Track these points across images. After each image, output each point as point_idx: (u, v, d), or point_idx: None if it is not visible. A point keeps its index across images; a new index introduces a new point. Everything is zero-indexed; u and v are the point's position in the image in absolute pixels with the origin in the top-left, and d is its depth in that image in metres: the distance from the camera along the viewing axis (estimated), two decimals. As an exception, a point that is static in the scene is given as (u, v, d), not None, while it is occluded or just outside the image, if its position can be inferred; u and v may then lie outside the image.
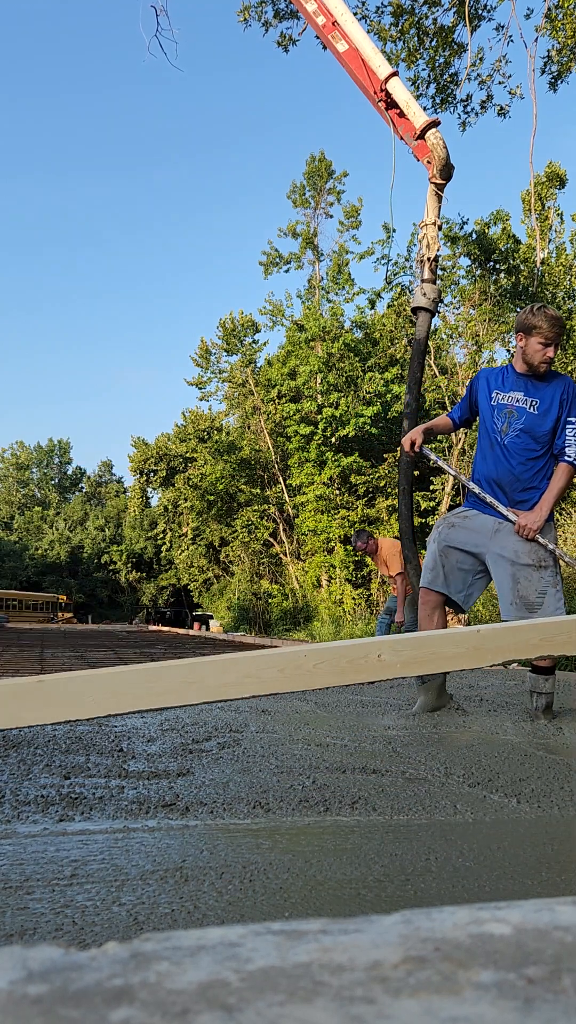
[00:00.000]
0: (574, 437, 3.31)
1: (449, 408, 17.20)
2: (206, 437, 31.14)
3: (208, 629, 28.34)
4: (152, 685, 1.69)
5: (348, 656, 1.81)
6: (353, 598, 18.55)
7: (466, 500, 3.61)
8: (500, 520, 3.39)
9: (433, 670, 1.90)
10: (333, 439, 20.40)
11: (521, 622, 2.00)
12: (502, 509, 3.35)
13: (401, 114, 5.95)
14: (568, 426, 3.31)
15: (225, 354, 28.43)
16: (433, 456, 3.59)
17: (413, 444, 3.57)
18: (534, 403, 3.35)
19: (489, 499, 3.37)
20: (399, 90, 5.92)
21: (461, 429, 3.71)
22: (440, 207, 6.03)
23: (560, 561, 3.34)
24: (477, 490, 3.42)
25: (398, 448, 3.48)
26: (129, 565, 54.65)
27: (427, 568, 3.53)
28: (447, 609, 3.60)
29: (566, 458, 3.31)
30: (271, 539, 26.14)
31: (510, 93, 10.06)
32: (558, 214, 19.49)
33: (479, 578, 3.50)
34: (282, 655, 1.79)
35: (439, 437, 18.29)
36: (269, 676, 1.75)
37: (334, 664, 1.79)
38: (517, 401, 3.38)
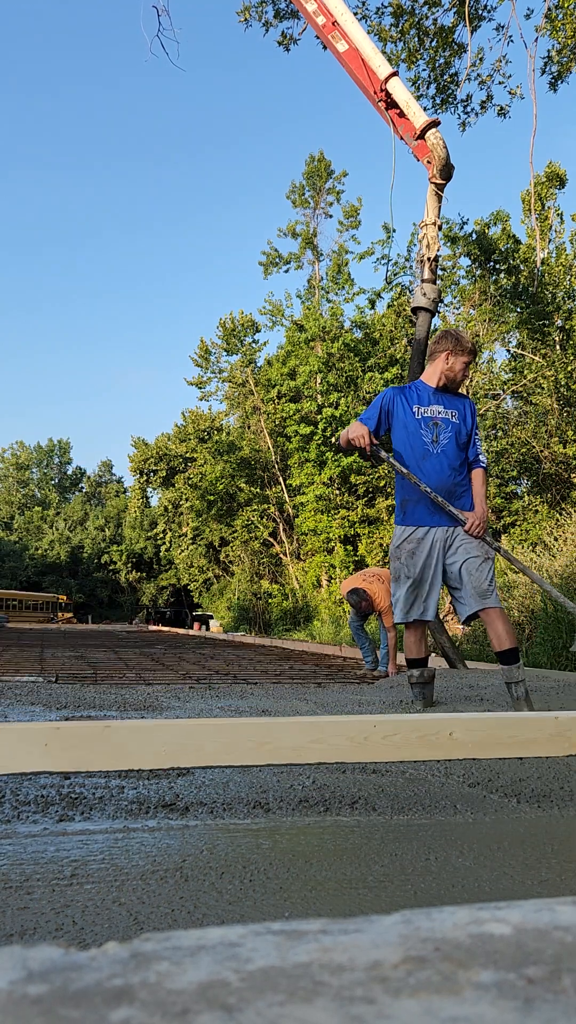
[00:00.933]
0: (480, 444, 3.75)
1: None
2: (206, 437, 31.16)
3: (208, 629, 28.36)
4: (226, 741, 1.67)
5: (420, 731, 1.77)
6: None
7: (404, 517, 3.72)
8: (447, 527, 3.62)
9: (510, 754, 1.84)
10: (333, 439, 20.40)
11: None
12: (455, 511, 3.59)
13: (401, 114, 5.95)
14: (475, 437, 3.72)
15: (225, 354, 28.45)
16: (383, 454, 3.69)
17: (370, 439, 3.69)
18: (454, 414, 3.69)
19: (441, 500, 3.58)
20: (399, 90, 5.92)
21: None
22: (440, 207, 6.03)
23: (500, 557, 3.65)
24: (431, 492, 3.59)
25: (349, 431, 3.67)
26: (129, 565, 54.65)
27: (409, 605, 3.69)
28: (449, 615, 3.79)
29: (480, 464, 3.71)
30: (271, 539, 26.15)
31: (510, 93, 10.07)
32: (558, 214, 19.50)
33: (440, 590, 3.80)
34: (351, 724, 1.74)
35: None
36: (338, 743, 1.72)
37: (404, 737, 1.75)
38: (440, 413, 3.69)
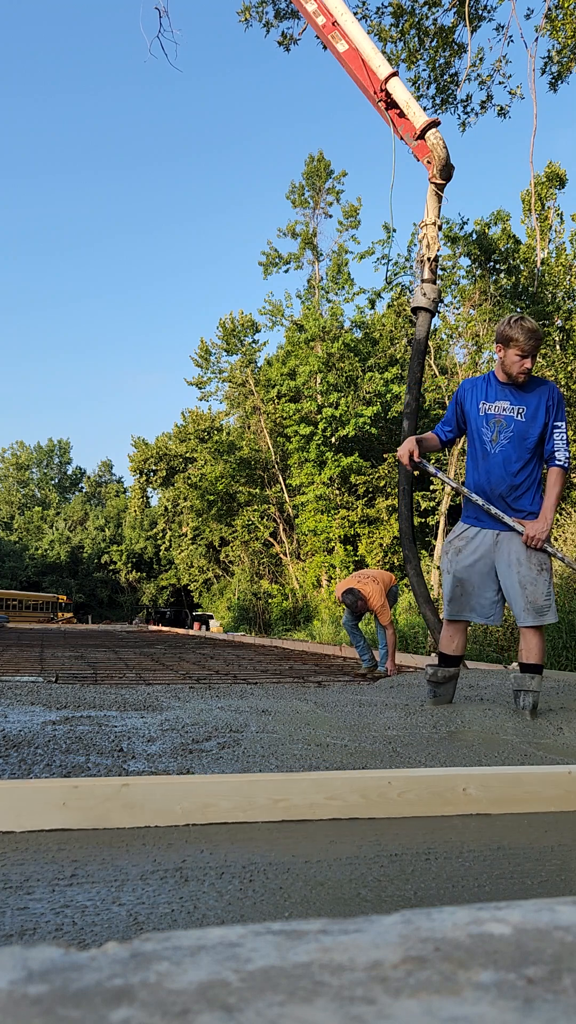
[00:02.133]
0: (562, 441, 3.38)
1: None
2: (206, 437, 31.15)
3: (208, 629, 28.35)
4: (242, 800, 1.71)
5: (433, 788, 1.79)
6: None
7: (463, 514, 3.67)
8: (499, 531, 3.47)
9: (526, 810, 1.84)
10: (333, 439, 20.41)
11: None
12: (508, 520, 3.41)
13: (401, 114, 5.95)
14: (555, 430, 3.39)
15: (225, 354, 28.45)
16: (431, 468, 3.64)
17: (411, 455, 3.59)
18: (521, 410, 3.41)
19: (494, 511, 3.43)
20: (399, 90, 5.92)
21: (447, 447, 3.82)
22: (440, 207, 6.03)
23: (560, 563, 3.45)
24: (481, 502, 3.47)
25: (398, 448, 3.54)
26: (129, 565, 54.66)
27: (448, 600, 3.60)
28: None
29: (556, 462, 3.39)
30: (271, 539, 26.15)
31: (510, 93, 10.07)
32: (558, 214, 19.50)
33: (500, 594, 3.60)
34: (366, 780, 1.77)
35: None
36: (354, 800, 1.75)
37: (418, 794, 1.78)
38: (504, 410, 3.44)
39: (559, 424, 3.38)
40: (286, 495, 24.84)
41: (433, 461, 18.24)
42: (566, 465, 3.38)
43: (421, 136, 5.84)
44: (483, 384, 3.55)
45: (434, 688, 3.78)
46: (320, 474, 20.23)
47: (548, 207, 19.25)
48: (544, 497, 3.41)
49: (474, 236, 16.97)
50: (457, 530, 3.64)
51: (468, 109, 10.27)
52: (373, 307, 20.88)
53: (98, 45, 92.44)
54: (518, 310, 17.37)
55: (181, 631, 24.70)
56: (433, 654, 6.85)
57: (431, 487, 17.96)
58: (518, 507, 3.44)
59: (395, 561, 18.78)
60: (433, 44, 9.87)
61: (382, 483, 19.98)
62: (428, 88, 10.25)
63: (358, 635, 6.68)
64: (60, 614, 45.86)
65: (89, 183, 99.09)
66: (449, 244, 17.06)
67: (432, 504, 17.93)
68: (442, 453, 17.73)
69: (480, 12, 9.69)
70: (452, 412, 3.66)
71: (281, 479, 25.04)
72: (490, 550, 3.49)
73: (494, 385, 3.50)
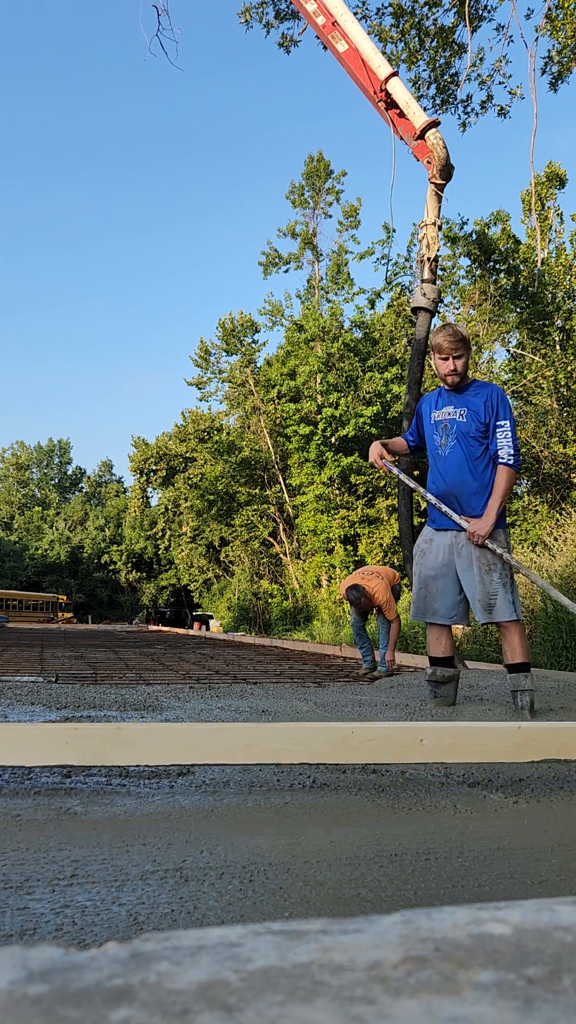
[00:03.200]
0: (505, 439, 3.46)
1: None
2: (206, 437, 31.15)
3: (208, 629, 28.35)
4: (219, 745, 1.91)
5: (393, 737, 1.94)
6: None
7: (428, 518, 3.79)
8: (455, 532, 3.58)
9: (475, 760, 2.00)
10: (333, 439, 20.41)
11: (566, 724, 2.09)
12: (456, 518, 3.52)
13: (401, 114, 5.96)
14: (499, 430, 3.47)
15: (225, 354, 28.45)
16: (395, 470, 3.77)
17: (380, 456, 3.75)
18: (462, 412, 3.54)
19: (444, 508, 3.55)
20: (399, 90, 5.93)
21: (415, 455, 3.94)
22: (440, 207, 6.03)
23: (509, 566, 3.49)
24: (435, 501, 3.59)
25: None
26: (129, 565, 54.66)
27: (413, 602, 3.75)
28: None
29: (500, 460, 3.47)
30: (271, 539, 26.15)
31: (510, 93, 10.07)
32: (558, 214, 19.50)
33: (463, 595, 3.65)
34: (330, 729, 1.93)
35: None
36: (319, 747, 1.91)
37: (379, 743, 1.93)
38: (448, 415, 3.58)
39: (502, 423, 3.46)
40: (286, 495, 24.85)
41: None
42: (510, 463, 3.45)
43: (421, 136, 5.84)
44: (435, 396, 3.72)
45: (435, 688, 3.81)
46: (320, 474, 20.23)
47: (548, 207, 19.26)
48: (491, 496, 3.49)
49: (474, 236, 16.98)
50: (424, 534, 3.75)
51: (468, 109, 10.27)
52: (373, 307, 20.90)
53: (98, 45, 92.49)
54: (518, 310, 17.39)
55: (181, 631, 24.70)
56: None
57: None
58: (472, 506, 3.54)
59: (395, 561, 18.77)
60: (433, 44, 9.87)
61: (382, 483, 19.98)
62: (428, 88, 10.25)
63: (363, 637, 6.67)
64: (60, 614, 45.86)
65: (89, 183, 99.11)
66: (449, 244, 17.07)
67: (432, 504, 17.91)
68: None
69: (480, 12, 9.69)
70: (415, 424, 3.83)
71: (281, 479, 25.05)
72: (450, 551, 3.59)
73: (443, 395, 3.66)
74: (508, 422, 3.45)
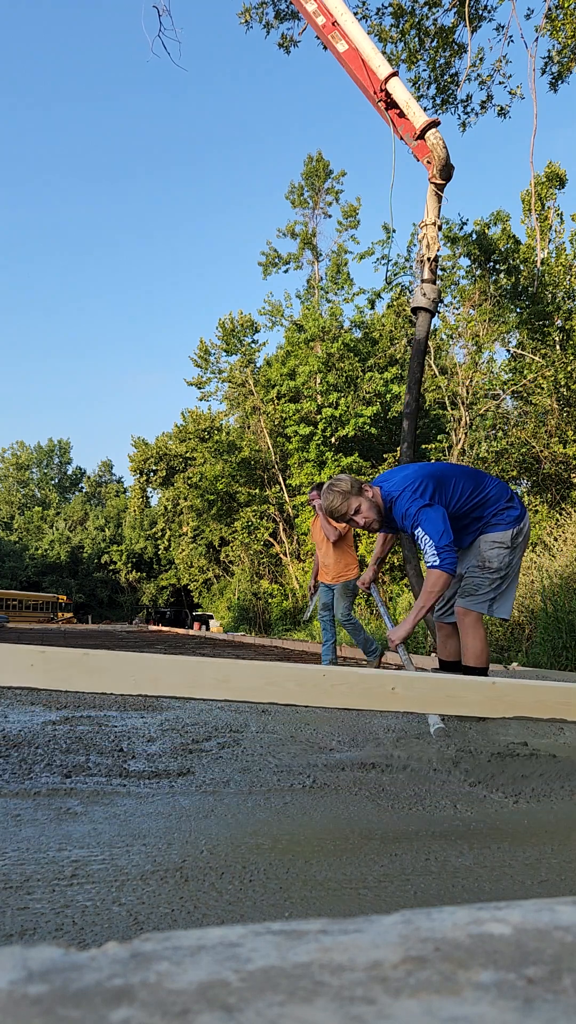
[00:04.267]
0: (425, 545, 3.26)
1: (449, 407, 17.21)
2: (206, 437, 31.15)
3: (208, 629, 28.35)
4: (189, 677, 1.83)
5: (364, 683, 1.92)
6: (353, 598, 18.52)
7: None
8: (474, 542, 3.54)
9: (444, 711, 1.95)
10: (333, 439, 20.40)
11: (540, 683, 2.06)
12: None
13: (401, 114, 5.95)
14: (418, 541, 3.30)
15: (224, 354, 28.44)
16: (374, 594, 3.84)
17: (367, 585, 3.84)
18: (402, 533, 3.58)
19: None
20: (399, 90, 5.92)
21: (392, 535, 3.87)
22: (440, 207, 6.03)
23: (506, 573, 3.46)
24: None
25: (398, 448, 3.61)
26: (129, 565, 54.65)
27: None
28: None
29: (427, 565, 3.33)
30: (271, 539, 26.14)
31: (510, 93, 10.06)
32: (558, 214, 19.50)
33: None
34: (303, 671, 1.90)
35: (439, 436, 18.30)
36: (289, 687, 1.87)
37: (350, 687, 1.90)
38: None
39: (416, 532, 3.29)
40: (286, 495, 24.83)
41: (433, 460, 18.23)
42: (435, 564, 3.21)
43: (421, 136, 5.84)
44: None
45: None
46: (320, 474, 20.21)
47: (548, 207, 19.26)
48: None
49: (474, 236, 16.97)
50: None
51: (468, 109, 10.27)
52: (373, 307, 20.89)
53: (98, 47, 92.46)
54: (518, 310, 17.39)
55: (181, 631, 24.70)
56: (433, 654, 6.84)
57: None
58: (466, 541, 3.53)
59: (395, 561, 18.77)
60: (433, 44, 9.86)
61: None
62: (428, 88, 10.24)
63: (330, 630, 6.45)
64: (60, 614, 45.86)
65: (89, 184, 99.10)
66: (449, 244, 17.06)
67: (432, 504, 17.88)
68: (443, 454, 17.74)
69: (480, 12, 9.69)
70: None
71: (281, 479, 25.03)
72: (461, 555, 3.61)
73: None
74: (420, 528, 3.26)
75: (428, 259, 6.04)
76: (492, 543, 3.43)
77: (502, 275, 17.22)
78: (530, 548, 12.63)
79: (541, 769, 2.38)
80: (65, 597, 49.64)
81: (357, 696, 1.90)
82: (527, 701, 1.97)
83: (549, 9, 9.38)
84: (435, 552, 3.18)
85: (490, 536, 3.45)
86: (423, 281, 6.07)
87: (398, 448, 7.63)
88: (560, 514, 14.22)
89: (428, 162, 5.90)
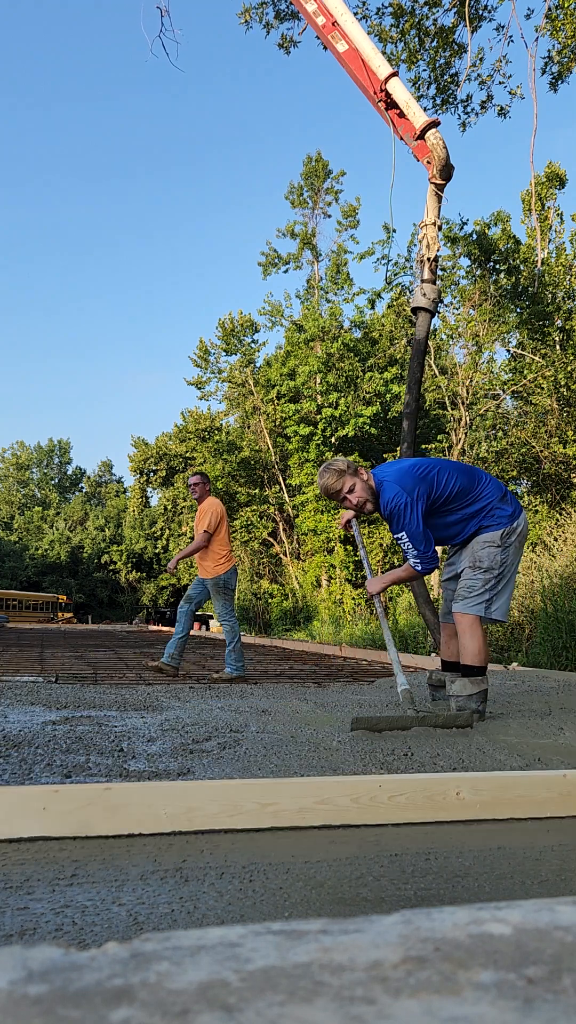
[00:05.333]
0: (403, 545, 3.43)
1: (449, 407, 17.21)
2: (206, 437, 31.15)
3: (208, 629, 28.33)
4: (230, 805, 1.66)
5: (426, 791, 1.75)
6: (353, 598, 18.58)
7: None
8: (469, 543, 3.59)
9: (519, 815, 1.80)
10: (333, 439, 20.41)
11: None
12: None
13: (401, 114, 5.96)
14: (399, 543, 3.46)
15: (224, 354, 28.44)
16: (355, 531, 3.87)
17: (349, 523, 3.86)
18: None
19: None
20: (399, 90, 5.93)
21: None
22: (440, 207, 6.03)
23: (500, 573, 3.49)
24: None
25: (398, 448, 3.68)
26: (129, 565, 54.65)
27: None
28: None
29: (406, 558, 3.50)
30: (271, 539, 26.15)
31: (510, 93, 10.06)
32: (558, 214, 19.50)
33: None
34: (357, 784, 1.73)
35: (439, 436, 18.31)
36: (344, 804, 1.70)
37: (410, 798, 1.74)
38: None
39: (399, 535, 3.42)
40: (286, 495, 24.84)
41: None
42: (415, 566, 3.41)
43: (421, 136, 5.84)
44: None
45: (433, 692, 3.81)
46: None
47: (548, 207, 19.26)
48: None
49: (474, 236, 16.97)
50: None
51: (468, 109, 10.27)
52: (373, 307, 20.90)
53: (98, 49, 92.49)
54: (518, 310, 17.39)
55: (181, 631, 24.63)
56: (433, 654, 6.85)
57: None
58: (459, 537, 3.58)
59: (395, 561, 18.78)
60: (433, 44, 9.86)
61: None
62: (428, 88, 10.24)
63: (185, 623, 6.10)
64: (60, 614, 45.86)
65: (89, 184, 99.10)
66: (449, 244, 17.06)
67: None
68: (443, 454, 17.73)
69: (480, 12, 9.69)
70: None
71: (281, 479, 25.04)
72: (459, 556, 3.67)
73: None
74: (404, 532, 3.39)
75: (428, 259, 6.04)
76: (484, 543, 3.48)
77: (502, 275, 17.22)
78: (530, 548, 12.63)
79: (541, 769, 2.38)
80: (65, 597, 49.63)
81: (419, 807, 1.73)
82: None
83: (549, 9, 9.38)
84: (416, 559, 3.38)
85: (483, 536, 3.50)
86: (423, 281, 6.07)
87: (398, 448, 7.62)
88: (560, 514, 14.22)
89: (428, 162, 5.90)
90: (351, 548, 20.53)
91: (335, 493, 3.50)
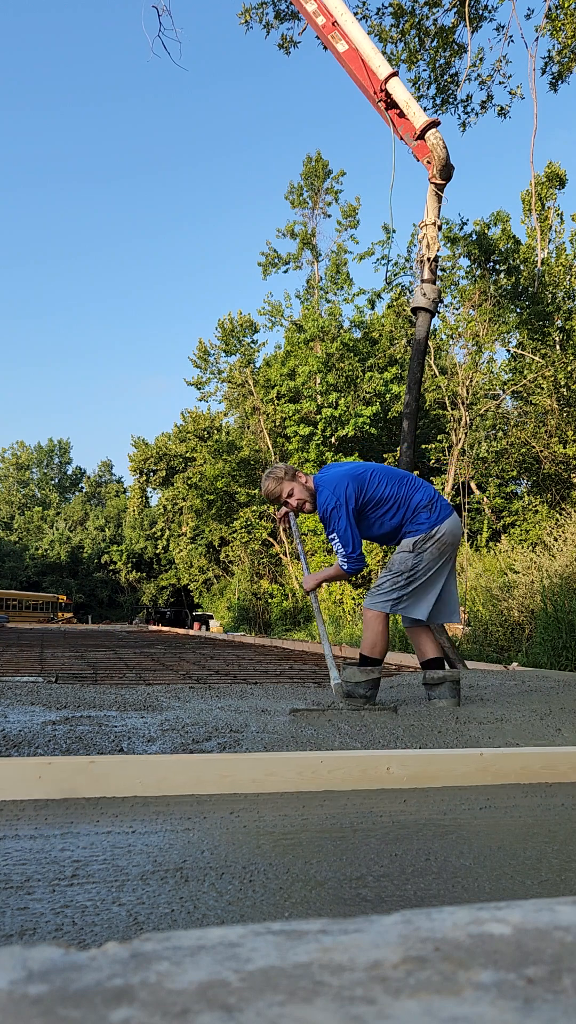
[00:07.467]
0: (335, 544, 3.68)
1: (449, 407, 17.21)
2: (206, 437, 31.15)
3: (208, 629, 28.33)
4: (194, 776, 1.99)
5: (361, 766, 2.06)
6: (353, 598, 18.58)
7: None
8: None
9: (439, 785, 2.11)
10: (333, 439, 20.41)
11: (525, 749, 2.26)
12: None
13: (401, 114, 5.95)
14: (331, 542, 3.71)
15: (224, 355, 28.44)
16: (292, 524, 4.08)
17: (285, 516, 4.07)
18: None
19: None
20: (399, 90, 5.92)
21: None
22: (440, 207, 6.03)
23: (409, 572, 3.67)
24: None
25: (398, 448, 3.81)
26: (129, 565, 54.65)
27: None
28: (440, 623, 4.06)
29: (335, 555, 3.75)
30: (271, 539, 26.14)
31: (510, 93, 10.06)
32: (558, 214, 19.51)
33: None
34: (301, 759, 2.04)
35: (439, 436, 18.30)
36: (290, 776, 2.01)
37: (347, 772, 2.06)
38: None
39: (331, 536, 3.69)
40: (286, 495, 24.82)
41: (433, 460, 18.26)
42: (344, 566, 3.66)
43: (421, 136, 5.84)
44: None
45: (428, 691, 3.88)
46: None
47: (548, 207, 19.26)
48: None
49: (474, 236, 16.97)
50: None
51: (468, 109, 10.27)
52: (373, 307, 20.91)
53: (98, 50, 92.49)
54: (518, 310, 17.38)
55: (181, 631, 24.69)
56: (459, 665, 6.85)
57: (431, 487, 17.94)
58: (392, 541, 3.82)
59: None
60: (433, 44, 9.86)
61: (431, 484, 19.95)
62: (428, 88, 10.24)
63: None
64: (60, 614, 45.87)
65: (90, 187, 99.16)
66: (449, 244, 17.07)
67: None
68: (443, 454, 17.73)
69: (480, 12, 9.69)
70: None
71: (281, 479, 25.03)
72: None
73: None
74: (334, 533, 3.64)
75: (428, 259, 6.04)
76: (399, 548, 3.74)
77: (502, 275, 17.22)
78: (530, 548, 12.62)
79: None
80: (65, 597, 49.65)
81: (355, 780, 2.05)
82: (514, 768, 2.15)
83: (549, 9, 9.38)
84: (344, 558, 3.65)
85: (403, 541, 3.74)
86: (423, 281, 6.07)
87: (398, 448, 7.63)
88: (560, 514, 14.22)
89: (428, 162, 5.90)
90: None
91: (276, 497, 3.84)
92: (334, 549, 3.65)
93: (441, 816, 1.83)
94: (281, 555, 25.52)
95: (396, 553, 3.71)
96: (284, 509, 4.00)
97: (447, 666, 3.95)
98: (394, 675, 5.94)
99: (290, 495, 3.79)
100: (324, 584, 3.91)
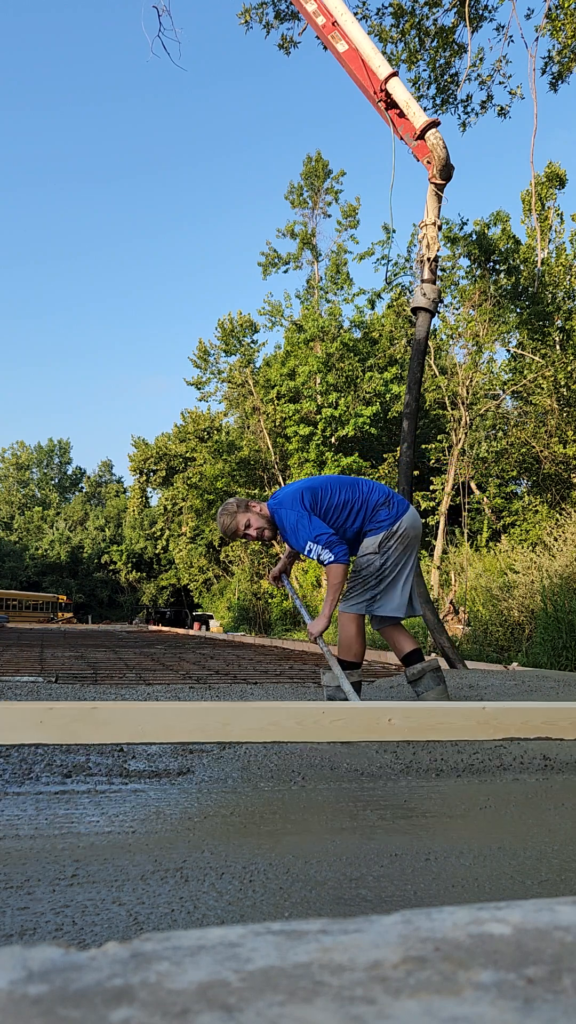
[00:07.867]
0: (312, 554, 3.56)
1: (449, 407, 17.21)
2: (206, 437, 31.14)
3: (208, 629, 28.34)
4: (197, 722, 2.01)
5: (363, 717, 2.08)
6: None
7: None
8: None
9: (441, 738, 2.13)
10: (333, 439, 20.41)
11: (526, 704, 2.28)
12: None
13: (401, 114, 5.95)
14: (305, 553, 3.62)
15: (224, 355, 28.43)
16: (287, 585, 4.12)
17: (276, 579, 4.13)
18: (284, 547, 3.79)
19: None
20: (399, 90, 5.92)
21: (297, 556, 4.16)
22: (440, 207, 6.03)
23: (377, 573, 3.67)
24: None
25: (398, 448, 3.81)
26: (129, 565, 54.63)
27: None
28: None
29: (323, 565, 3.58)
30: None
31: (510, 93, 10.06)
32: (558, 214, 19.51)
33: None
34: (303, 709, 2.05)
35: (439, 436, 18.30)
36: (290, 725, 2.02)
37: (348, 722, 2.06)
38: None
39: (306, 549, 3.58)
40: (286, 495, 24.82)
41: (433, 460, 18.26)
42: (330, 561, 3.52)
43: (421, 136, 5.84)
44: None
45: (414, 687, 3.87)
46: (320, 474, 20.22)
47: (548, 207, 19.26)
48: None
49: (474, 236, 16.97)
50: None
51: (468, 109, 10.26)
52: (373, 307, 20.91)
53: (98, 50, 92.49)
54: (518, 310, 17.38)
55: (181, 631, 24.69)
56: (433, 654, 6.85)
57: (431, 487, 17.98)
58: (354, 545, 3.77)
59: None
60: (433, 44, 9.86)
61: (382, 483, 19.96)
62: (428, 88, 10.24)
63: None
64: (60, 614, 45.87)
65: (90, 188, 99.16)
66: (449, 244, 17.06)
67: (432, 504, 17.94)
68: (443, 454, 17.73)
69: (480, 12, 9.69)
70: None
71: (281, 479, 25.04)
72: None
73: None
74: (307, 542, 3.53)
75: (428, 259, 6.04)
76: (363, 550, 3.72)
77: (502, 275, 17.22)
78: (530, 548, 12.62)
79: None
80: (65, 597, 49.65)
81: (355, 730, 2.07)
82: (514, 722, 2.17)
83: (549, 9, 9.38)
84: (328, 551, 3.49)
85: (365, 542, 3.72)
86: (423, 281, 6.07)
87: (398, 448, 7.64)
88: (560, 514, 14.22)
89: (428, 162, 5.90)
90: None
91: (233, 533, 3.75)
92: (313, 556, 3.54)
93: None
94: (281, 555, 25.51)
95: (360, 556, 3.69)
96: (276, 570, 4.05)
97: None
98: (394, 675, 5.94)
99: (247, 526, 3.71)
100: (333, 615, 3.79)
